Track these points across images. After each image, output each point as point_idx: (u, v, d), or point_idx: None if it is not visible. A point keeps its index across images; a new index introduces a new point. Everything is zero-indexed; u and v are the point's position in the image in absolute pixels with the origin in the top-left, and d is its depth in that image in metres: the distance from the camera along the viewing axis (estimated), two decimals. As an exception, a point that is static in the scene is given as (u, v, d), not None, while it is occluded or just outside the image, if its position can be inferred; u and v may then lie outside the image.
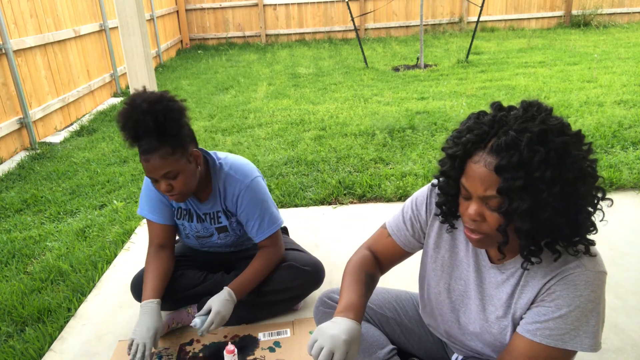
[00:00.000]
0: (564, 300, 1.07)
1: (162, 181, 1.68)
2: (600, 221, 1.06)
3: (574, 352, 1.10)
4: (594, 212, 1.04)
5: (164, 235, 1.96)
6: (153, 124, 1.59)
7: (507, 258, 1.17)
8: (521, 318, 1.15)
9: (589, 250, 1.07)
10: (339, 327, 1.16)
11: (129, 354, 1.67)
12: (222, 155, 1.93)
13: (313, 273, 2.00)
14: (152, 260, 1.92)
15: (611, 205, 1.08)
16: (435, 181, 1.24)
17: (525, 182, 0.96)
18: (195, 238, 2.01)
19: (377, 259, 1.42)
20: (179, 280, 1.99)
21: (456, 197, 1.14)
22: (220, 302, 1.78)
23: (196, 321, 1.75)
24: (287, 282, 1.97)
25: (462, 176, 1.07)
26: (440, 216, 1.24)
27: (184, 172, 1.70)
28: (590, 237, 1.07)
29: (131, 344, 1.69)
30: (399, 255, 1.40)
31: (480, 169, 1.01)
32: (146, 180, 1.93)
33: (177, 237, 2.07)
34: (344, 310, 1.21)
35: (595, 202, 1.04)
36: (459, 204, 1.13)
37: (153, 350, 1.75)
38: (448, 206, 1.18)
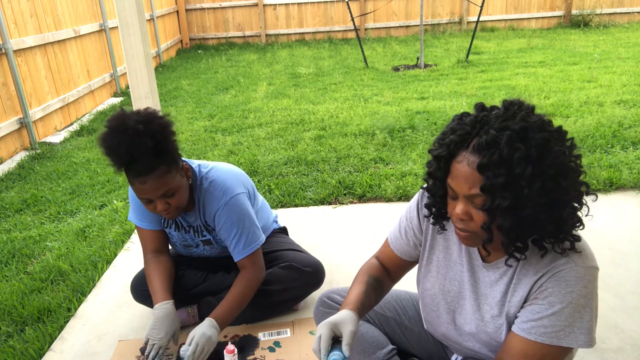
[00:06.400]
0: (556, 297, 1.07)
1: (158, 201, 1.63)
2: (586, 216, 1.07)
3: (569, 349, 1.10)
4: (580, 208, 1.05)
5: (157, 241, 1.93)
6: (152, 143, 1.53)
7: (498, 257, 1.19)
8: (515, 316, 1.16)
9: (574, 247, 1.07)
10: (330, 317, 1.23)
11: (142, 354, 1.67)
12: (207, 167, 1.86)
13: (313, 273, 2.00)
14: (152, 265, 1.89)
15: (595, 200, 1.09)
16: (425, 184, 1.26)
17: (506, 179, 0.97)
18: (182, 247, 1.99)
19: (385, 268, 1.45)
20: (179, 281, 1.99)
21: (444, 198, 1.15)
22: (201, 328, 1.68)
23: (184, 348, 1.63)
24: (288, 282, 1.96)
25: (448, 177, 1.09)
26: (430, 218, 1.25)
27: (180, 189, 1.67)
28: (590, 235, 1.07)
29: (145, 343, 1.68)
30: (401, 264, 1.42)
31: (463, 168, 1.03)
32: (131, 189, 1.88)
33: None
34: (342, 307, 1.28)
35: (580, 197, 1.04)
36: (447, 204, 1.14)
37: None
38: (437, 207, 1.20)
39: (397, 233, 1.40)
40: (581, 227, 1.07)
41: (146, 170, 1.55)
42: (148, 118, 1.57)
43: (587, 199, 1.07)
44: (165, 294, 1.80)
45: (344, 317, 1.22)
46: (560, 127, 1.04)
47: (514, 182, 0.97)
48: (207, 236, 1.92)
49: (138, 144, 1.51)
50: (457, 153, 1.05)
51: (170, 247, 2.05)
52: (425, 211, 1.31)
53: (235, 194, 1.82)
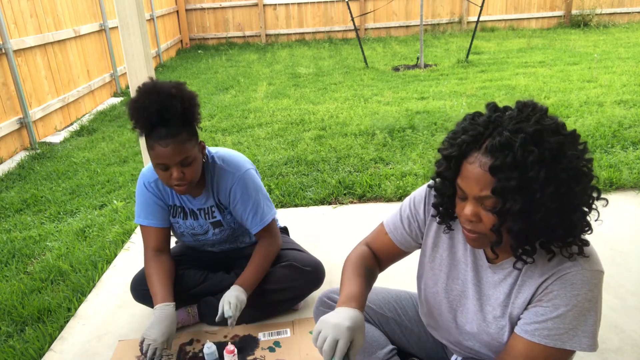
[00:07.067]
0: (562, 299, 1.07)
1: (174, 168, 1.67)
2: (596, 221, 1.06)
3: (572, 352, 1.10)
4: (589, 212, 1.04)
5: (161, 239, 1.94)
6: (181, 108, 1.61)
7: (504, 258, 1.18)
8: (518, 318, 1.15)
9: (582, 251, 1.06)
10: (341, 315, 1.15)
11: (142, 353, 1.67)
12: (213, 150, 1.93)
13: (313, 273, 2.00)
14: (153, 264, 1.90)
15: (606, 205, 1.07)
16: (432, 182, 1.24)
17: (519, 182, 0.96)
18: (190, 235, 2.00)
19: (376, 256, 1.42)
20: (179, 281, 1.99)
21: (452, 198, 1.14)
22: (233, 292, 1.80)
23: (226, 309, 1.74)
24: (288, 282, 1.96)
25: (458, 177, 1.07)
26: (437, 217, 1.24)
27: (196, 160, 1.72)
28: (590, 236, 1.07)
29: (142, 342, 1.69)
30: (396, 253, 1.40)
31: (475, 170, 1.01)
32: (140, 187, 1.91)
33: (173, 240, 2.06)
34: (345, 301, 1.21)
35: (590, 202, 1.03)
36: (455, 204, 1.13)
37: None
38: (444, 207, 1.19)
39: (397, 222, 1.37)
40: (590, 232, 1.05)
41: (171, 133, 1.62)
42: (180, 86, 1.66)
43: (597, 204, 1.05)
44: (166, 295, 1.81)
45: (359, 323, 1.16)
46: (574, 131, 1.02)
47: (527, 186, 0.96)
48: (218, 217, 1.94)
49: (169, 107, 1.59)
50: (468, 153, 1.03)
51: (172, 245, 2.06)
52: (432, 209, 1.30)
53: (247, 168, 1.91)
